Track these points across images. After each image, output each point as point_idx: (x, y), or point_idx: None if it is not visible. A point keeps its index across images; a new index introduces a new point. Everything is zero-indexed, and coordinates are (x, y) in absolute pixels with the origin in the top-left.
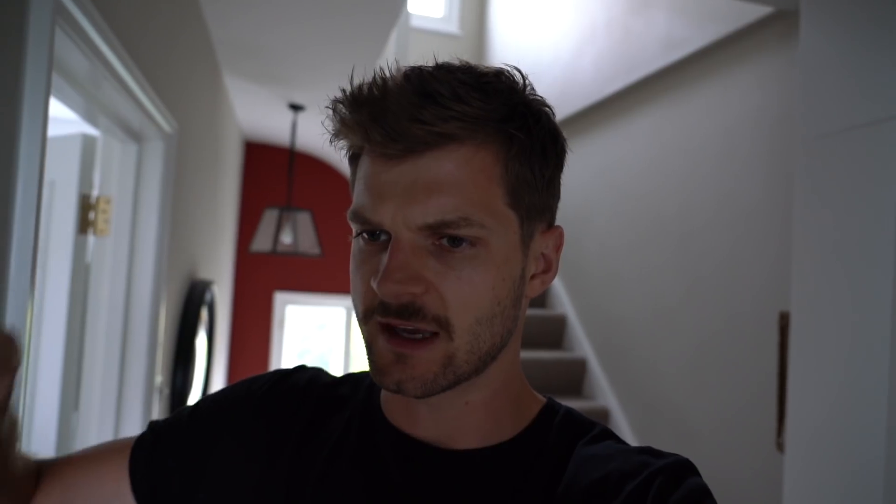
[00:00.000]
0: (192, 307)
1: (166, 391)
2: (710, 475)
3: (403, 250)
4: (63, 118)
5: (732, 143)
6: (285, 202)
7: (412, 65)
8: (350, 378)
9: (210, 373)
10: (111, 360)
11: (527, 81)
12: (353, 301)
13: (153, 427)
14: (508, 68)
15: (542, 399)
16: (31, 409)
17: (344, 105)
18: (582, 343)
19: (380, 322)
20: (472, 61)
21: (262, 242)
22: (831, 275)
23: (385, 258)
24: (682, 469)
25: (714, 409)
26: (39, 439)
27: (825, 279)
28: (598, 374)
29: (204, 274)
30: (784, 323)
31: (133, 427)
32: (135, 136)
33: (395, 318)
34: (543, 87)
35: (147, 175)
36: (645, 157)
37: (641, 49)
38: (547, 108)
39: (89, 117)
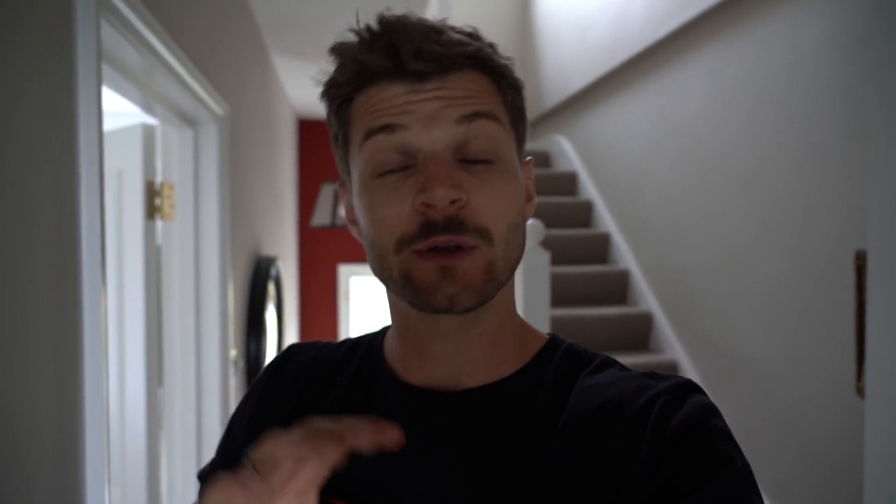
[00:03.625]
0: (258, 282)
1: (241, 363)
2: (788, 424)
3: (441, 162)
4: (124, 111)
5: (801, 76)
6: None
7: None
8: (346, 342)
9: (281, 345)
10: (187, 338)
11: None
12: (379, 236)
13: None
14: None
15: (545, 336)
16: (122, 384)
17: (363, 37)
18: (646, 297)
19: (417, 251)
20: (519, 13)
21: (321, 217)
22: None
23: (422, 174)
24: (683, 389)
25: (789, 356)
26: (132, 413)
27: None
28: (664, 327)
29: (268, 250)
30: (860, 262)
31: (213, 399)
32: (189, 121)
33: (442, 234)
34: (594, 36)
35: (204, 158)
36: (706, 99)
37: None
38: None
39: (146, 107)
